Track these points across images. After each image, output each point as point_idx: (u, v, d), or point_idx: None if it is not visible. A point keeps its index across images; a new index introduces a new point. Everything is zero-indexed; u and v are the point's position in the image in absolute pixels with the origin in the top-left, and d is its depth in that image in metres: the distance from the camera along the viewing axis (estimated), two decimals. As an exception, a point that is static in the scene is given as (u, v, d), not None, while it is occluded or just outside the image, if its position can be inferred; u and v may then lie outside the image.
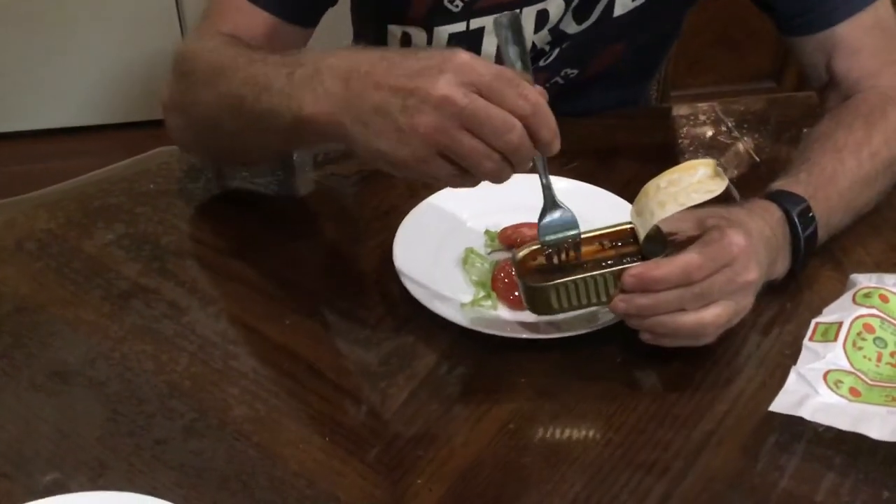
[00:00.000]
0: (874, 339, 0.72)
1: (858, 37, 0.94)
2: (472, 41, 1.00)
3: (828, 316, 0.74)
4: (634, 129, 1.07)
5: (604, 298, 0.72)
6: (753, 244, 0.72)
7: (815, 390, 0.68)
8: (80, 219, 0.90)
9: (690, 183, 0.70)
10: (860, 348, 0.71)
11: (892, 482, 0.65)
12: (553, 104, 1.09)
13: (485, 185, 0.90)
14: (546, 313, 0.74)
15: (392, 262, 0.80)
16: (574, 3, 0.97)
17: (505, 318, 0.78)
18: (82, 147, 2.28)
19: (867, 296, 0.74)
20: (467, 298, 0.80)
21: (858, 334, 0.72)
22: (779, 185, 0.82)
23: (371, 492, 0.65)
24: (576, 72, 1.05)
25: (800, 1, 0.95)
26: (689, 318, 0.70)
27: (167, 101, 0.90)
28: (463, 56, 0.65)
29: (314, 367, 0.74)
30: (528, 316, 0.79)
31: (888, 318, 0.73)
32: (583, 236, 0.75)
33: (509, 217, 0.86)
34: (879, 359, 0.71)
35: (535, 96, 0.66)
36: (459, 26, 0.99)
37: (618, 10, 0.99)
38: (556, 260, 0.75)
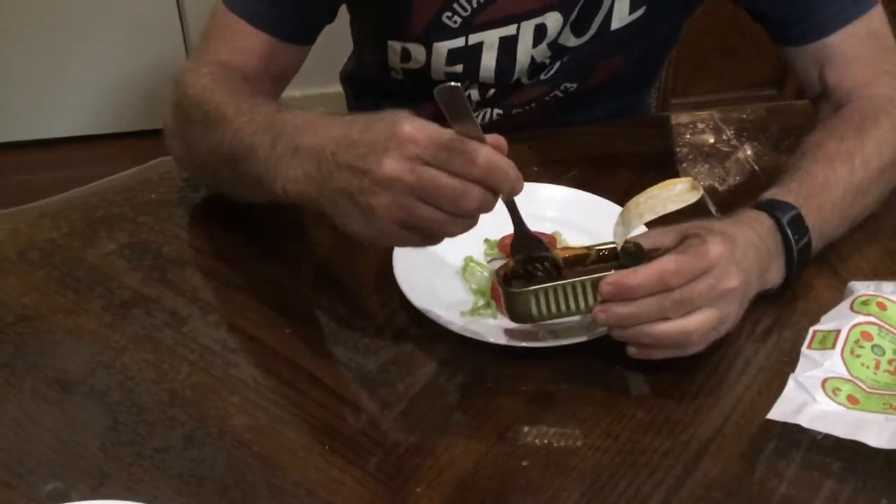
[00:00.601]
0: (872, 347, 0.72)
1: (852, 47, 0.94)
2: (471, 56, 1.00)
3: (826, 324, 0.74)
4: (634, 138, 1.08)
5: (583, 307, 0.72)
6: (735, 252, 0.72)
7: (813, 398, 0.68)
8: (83, 228, 0.90)
9: (669, 196, 0.71)
10: (858, 356, 0.71)
11: (890, 489, 0.65)
12: (553, 115, 1.11)
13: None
14: (526, 320, 0.74)
15: (392, 270, 0.81)
16: (572, 18, 0.98)
17: (504, 326, 0.79)
18: (85, 157, 2.29)
19: (865, 303, 0.74)
20: (467, 307, 0.80)
21: (856, 342, 0.72)
22: (769, 194, 0.82)
23: (370, 500, 0.65)
24: (575, 85, 1.06)
25: (793, 11, 0.95)
26: (672, 326, 0.70)
27: (167, 125, 0.91)
28: (405, 128, 0.65)
29: (314, 376, 0.75)
30: (527, 324, 0.79)
31: (886, 326, 0.73)
32: (567, 254, 0.75)
33: (508, 225, 0.86)
34: (877, 366, 0.71)
35: (485, 158, 0.64)
36: (458, 42, 0.99)
37: (615, 24, 0.99)
38: (536, 272, 0.75)
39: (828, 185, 0.83)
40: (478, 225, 0.87)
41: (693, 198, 0.71)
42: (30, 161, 2.31)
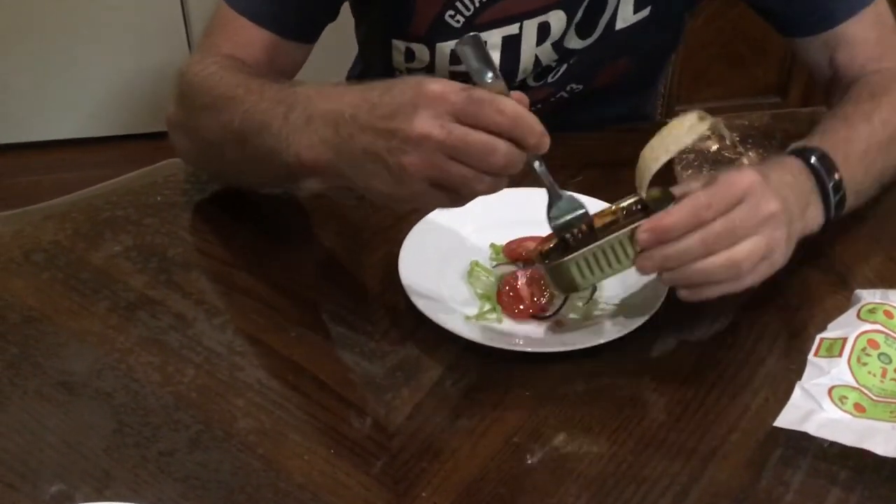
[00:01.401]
0: (879, 355, 0.72)
1: (860, 31, 0.96)
2: None
3: (832, 331, 0.74)
4: (639, 143, 1.07)
5: (625, 262, 0.72)
6: (768, 181, 0.72)
7: (819, 406, 0.68)
8: (88, 230, 0.90)
9: (680, 132, 0.72)
10: (865, 364, 0.71)
11: (897, 498, 0.65)
12: (558, 116, 1.11)
13: (490, 200, 0.90)
14: (573, 289, 0.75)
15: (397, 274, 0.80)
16: (577, 19, 0.98)
17: (510, 330, 0.79)
18: (90, 158, 2.29)
19: (872, 311, 0.74)
20: (472, 311, 0.80)
21: (863, 350, 0.72)
22: (791, 147, 0.83)
23: (375, 504, 0.65)
24: (581, 87, 1.06)
25: (802, 4, 0.97)
26: (720, 259, 0.69)
27: (171, 119, 0.92)
28: (433, 87, 0.66)
29: (319, 380, 0.75)
30: (533, 329, 0.79)
31: (893, 335, 0.73)
32: (593, 214, 0.76)
33: (514, 230, 0.87)
34: (884, 375, 0.71)
35: (511, 108, 0.66)
36: None
37: (619, 24, 1.00)
38: (570, 239, 0.76)
39: (849, 140, 0.84)
40: (483, 230, 0.88)
41: (704, 126, 0.71)
42: (34, 163, 2.31)
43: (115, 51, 2.28)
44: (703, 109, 0.78)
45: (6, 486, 0.65)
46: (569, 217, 0.75)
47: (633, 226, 0.71)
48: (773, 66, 2.32)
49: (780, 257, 0.73)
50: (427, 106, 0.66)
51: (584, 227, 0.75)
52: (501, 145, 0.66)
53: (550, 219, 0.75)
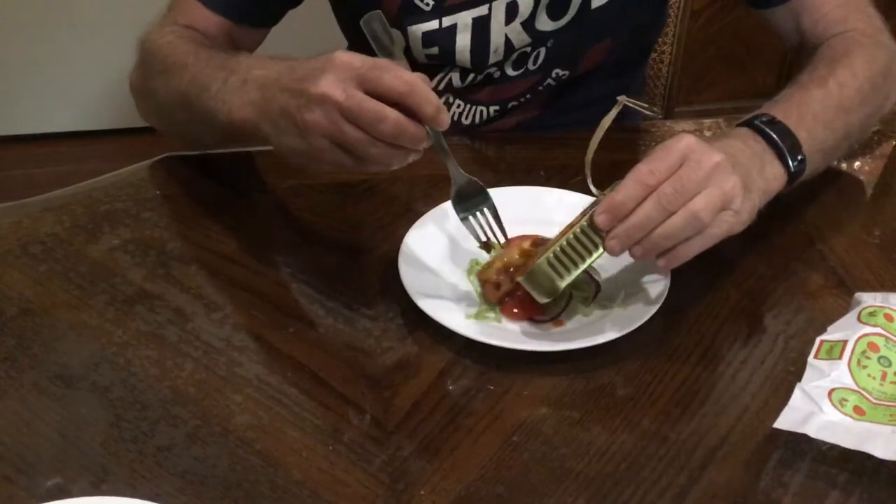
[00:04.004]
0: (879, 358, 0.72)
1: None
2: (445, 39, 1.01)
3: (832, 334, 0.74)
4: (638, 144, 1.08)
5: (594, 251, 0.74)
6: (707, 141, 0.74)
7: (819, 408, 0.68)
8: (86, 223, 0.90)
9: (601, 125, 0.78)
10: (865, 367, 0.71)
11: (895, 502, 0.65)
12: (549, 102, 1.11)
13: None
14: (556, 291, 0.75)
15: (397, 272, 0.80)
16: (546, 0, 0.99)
17: (509, 329, 0.79)
18: (88, 151, 2.29)
19: (872, 314, 0.74)
20: (472, 310, 0.80)
21: (863, 353, 0.72)
22: (740, 120, 0.85)
23: (373, 502, 0.65)
24: (567, 73, 1.07)
25: None
26: (679, 216, 0.72)
27: (133, 83, 0.99)
28: (342, 56, 0.72)
29: (318, 376, 0.74)
30: (532, 328, 0.79)
31: (893, 338, 0.73)
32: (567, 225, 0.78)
33: (514, 229, 0.86)
34: (884, 378, 0.71)
35: (410, 77, 0.71)
36: (432, 24, 1.01)
37: (595, 2, 1.01)
38: (483, 237, 0.82)
39: (802, 102, 0.86)
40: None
41: (615, 110, 0.77)
42: (31, 155, 2.30)
43: (113, 44, 2.27)
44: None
45: (2, 479, 0.65)
46: (474, 202, 0.81)
47: (588, 213, 0.74)
48: (772, 69, 2.32)
49: (741, 206, 0.74)
50: (333, 70, 0.71)
51: (492, 223, 0.82)
52: (391, 114, 0.70)
53: (456, 206, 0.81)
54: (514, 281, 0.78)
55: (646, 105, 0.83)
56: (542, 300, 0.76)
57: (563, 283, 0.75)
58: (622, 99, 0.78)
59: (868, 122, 0.93)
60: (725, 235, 0.74)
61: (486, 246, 0.83)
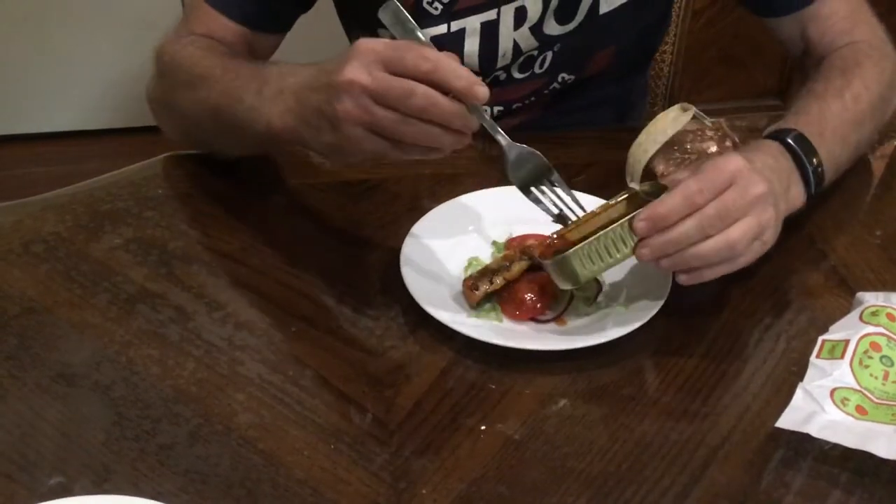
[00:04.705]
0: (881, 358, 0.72)
1: (830, 6, 0.99)
2: (454, 43, 1.01)
3: (835, 333, 0.74)
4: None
5: (623, 252, 0.74)
6: (753, 165, 0.75)
7: (821, 407, 0.68)
8: (88, 222, 0.90)
9: (665, 124, 0.76)
10: (867, 366, 0.71)
11: (897, 501, 0.65)
12: (553, 103, 1.12)
13: (492, 197, 0.90)
14: (575, 281, 0.76)
15: (399, 271, 0.80)
16: (553, 4, 0.99)
17: (511, 328, 0.79)
18: (90, 151, 2.29)
19: (874, 314, 0.74)
20: (473, 309, 0.80)
21: (865, 352, 0.72)
22: (768, 130, 0.86)
23: (375, 501, 0.65)
24: (573, 77, 1.07)
25: None
26: (716, 241, 0.72)
27: (151, 95, 0.98)
28: (364, 42, 0.72)
29: (320, 375, 0.74)
30: (533, 327, 0.79)
31: (895, 337, 0.73)
32: (593, 220, 0.78)
33: (516, 228, 0.87)
34: (886, 377, 0.71)
35: (434, 54, 0.70)
36: (440, 29, 1.01)
37: (603, 8, 1.01)
38: (555, 210, 0.79)
39: (823, 116, 0.87)
40: (485, 227, 0.88)
41: (687, 118, 0.75)
42: (32, 154, 2.30)
43: (114, 44, 2.27)
44: (703, 111, 0.79)
45: (5, 478, 0.65)
46: (532, 168, 0.78)
47: (630, 216, 0.73)
48: (773, 69, 2.33)
49: (771, 237, 0.76)
50: (356, 57, 0.71)
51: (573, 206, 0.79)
52: (419, 88, 0.69)
53: (510, 170, 0.78)
54: (493, 284, 0.78)
55: (707, 117, 0.83)
56: (564, 286, 0.77)
57: (586, 276, 0.76)
58: (694, 110, 0.77)
59: (874, 136, 0.95)
60: (751, 262, 0.75)
61: (561, 219, 0.80)
